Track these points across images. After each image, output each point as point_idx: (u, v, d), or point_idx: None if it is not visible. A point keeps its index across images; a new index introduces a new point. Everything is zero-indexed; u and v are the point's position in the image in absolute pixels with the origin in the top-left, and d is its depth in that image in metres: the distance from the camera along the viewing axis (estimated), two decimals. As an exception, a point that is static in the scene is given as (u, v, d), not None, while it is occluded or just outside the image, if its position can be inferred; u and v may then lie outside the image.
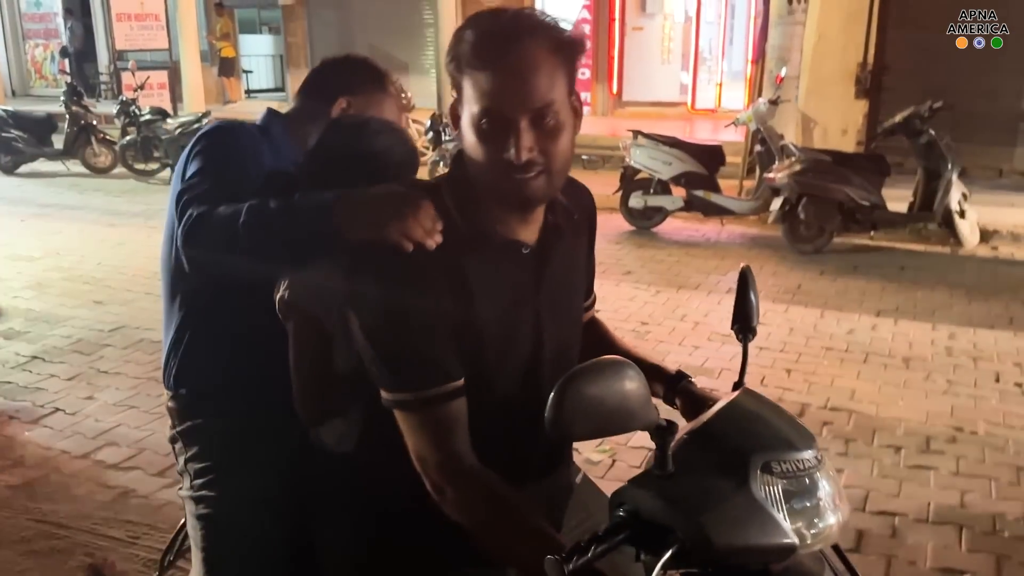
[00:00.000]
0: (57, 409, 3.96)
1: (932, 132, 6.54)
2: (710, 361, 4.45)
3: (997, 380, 4.24)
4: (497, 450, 1.28)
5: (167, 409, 1.80)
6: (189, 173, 1.58)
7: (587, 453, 3.34)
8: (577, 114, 1.30)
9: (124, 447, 3.57)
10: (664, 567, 1.00)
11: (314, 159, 1.58)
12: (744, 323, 1.47)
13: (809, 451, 1.12)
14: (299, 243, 1.38)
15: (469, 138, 1.25)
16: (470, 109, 1.23)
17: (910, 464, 3.39)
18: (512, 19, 1.23)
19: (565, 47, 1.23)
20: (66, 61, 16.94)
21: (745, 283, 1.47)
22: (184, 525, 1.99)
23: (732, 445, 1.11)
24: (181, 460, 1.76)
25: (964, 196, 6.64)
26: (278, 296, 1.52)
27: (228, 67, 15.75)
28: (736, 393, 1.25)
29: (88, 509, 3.09)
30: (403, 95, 1.84)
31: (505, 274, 1.32)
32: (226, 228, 1.39)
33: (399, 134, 1.66)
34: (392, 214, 1.24)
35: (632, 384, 1.04)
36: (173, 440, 1.79)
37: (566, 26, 1.26)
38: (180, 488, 1.79)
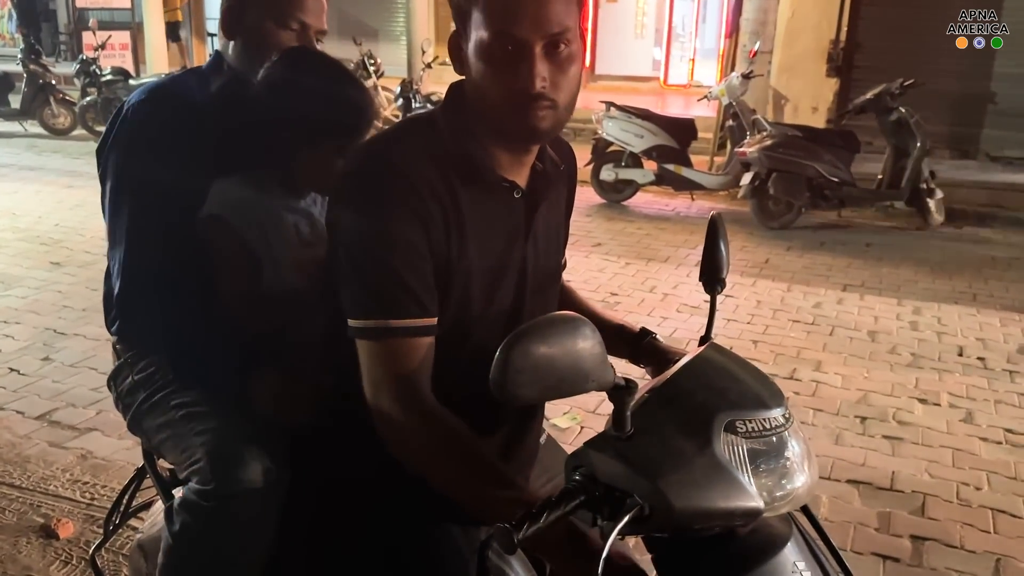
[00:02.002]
0: (12, 370, 3.84)
1: (902, 110, 6.58)
2: (679, 332, 4.44)
3: (960, 354, 4.29)
4: (469, 401, 1.22)
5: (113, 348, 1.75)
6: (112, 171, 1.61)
7: (555, 419, 3.32)
8: (583, 50, 1.24)
9: (81, 408, 3.47)
10: (622, 532, 0.93)
11: (267, 91, 1.55)
12: (713, 274, 1.40)
13: (777, 409, 1.06)
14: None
15: (476, 67, 1.18)
16: (479, 35, 1.16)
17: (875, 434, 3.42)
18: None
19: None
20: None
21: (715, 232, 1.41)
22: (128, 485, 1.93)
23: (695, 403, 1.03)
24: (127, 382, 1.69)
25: (931, 175, 6.70)
26: (201, 214, 1.52)
27: (174, 31, 15.42)
28: (702, 348, 1.19)
29: (43, 471, 3.00)
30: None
31: (497, 215, 1.27)
32: None
33: (350, 80, 1.61)
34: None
35: (586, 342, 0.94)
36: (117, 373, 1.72)
37: None
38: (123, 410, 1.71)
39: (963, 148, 8.39)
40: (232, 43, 1.70)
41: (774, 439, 1.03)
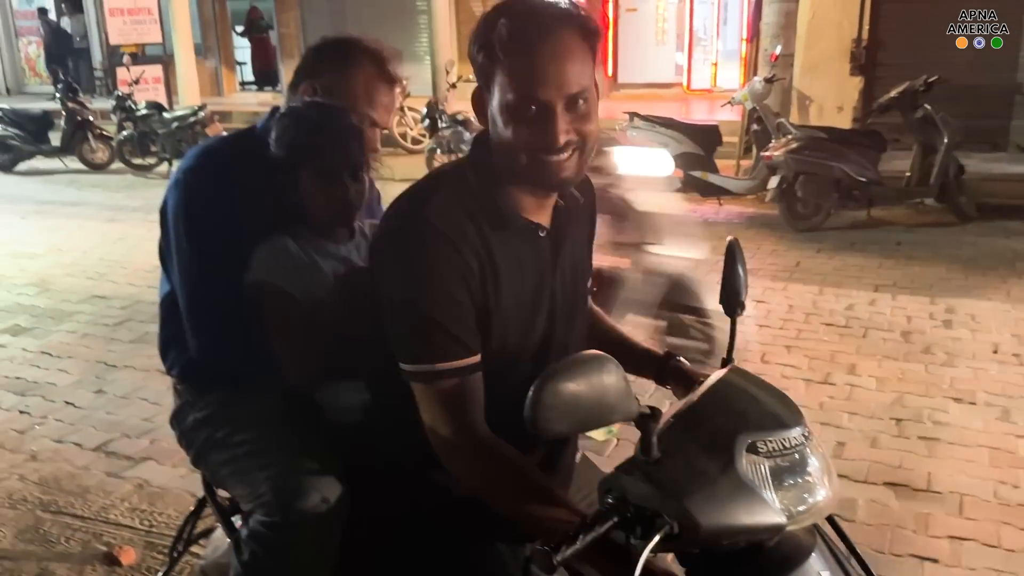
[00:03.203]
0: (68, 403, 4.00)
1: (927, 107, 6.57)
2: (711, 340, 4.50)
3: (995, 351, 4.28)
4: (508, 427, 1.29)
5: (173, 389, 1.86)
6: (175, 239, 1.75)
7: (592, 433, 3.38)
8: (598, 97, 1.33)
9: (135, 438, 3.61)
10: (653, 550, 1.01)
11: (278, 151, 1.67)
12: (732, 298, 1.46)
13: (796, 428, 1.12)
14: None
15: (501, 124, 1.27)
16: (504, 96, 1.25)
17: (911, 435, 3.44)
18: (544, 7, 1.26)
19: (592, 34, 1.27)
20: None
21: (733, 257, 1.47)
22: (192, 514, 2.04)
23: (717, 426, 1.11)
24: (190, 420, 1.80)
25: (960, 170, 6.66)
26: (247, 280, 1.63)
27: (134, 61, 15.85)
28: (723, 371, 1.25)
29: (103, 500, 3.14)
30: (396, 76, 1.85)
31: (526, 256, 1.36)
32: None
33: (333, 112, 1.70)
34: None
35: (611, 377, 1.03)
36: (179, 412, 1.84)
37: (586, 12, 1.29)
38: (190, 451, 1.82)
39: (992, 141, 8.31)
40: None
41: (795, 456, 1.10)
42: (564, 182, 1.32)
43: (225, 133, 1.91)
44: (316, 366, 1.60)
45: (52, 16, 17.36)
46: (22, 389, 4.18)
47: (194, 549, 2.37)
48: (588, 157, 1.32)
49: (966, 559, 2.65)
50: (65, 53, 16.78)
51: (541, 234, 1.38)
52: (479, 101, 1.32)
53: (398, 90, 1.83)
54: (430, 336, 1.27)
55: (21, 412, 3.92)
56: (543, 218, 1.38)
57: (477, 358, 1.30)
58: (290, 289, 1.63)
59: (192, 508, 2.05)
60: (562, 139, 1.25)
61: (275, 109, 1.86)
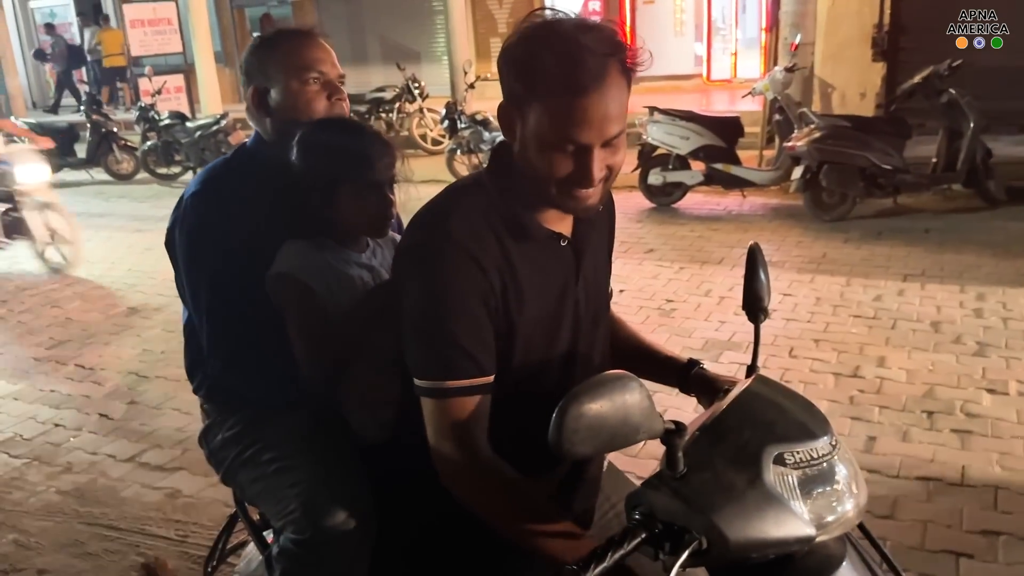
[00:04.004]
0: (102, 415, 4.07)
1: (952, 91, 6.46)
2: (737, 335, 4.47)
3: (1028, 339, 4.22)
4: (534, 438, 1.30)
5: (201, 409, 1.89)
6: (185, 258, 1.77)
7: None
8: None
9: (168, 448, 3.67)
10: (683, 566, 1.01)
11: (305, 179, 1.69)
12: (755, 304, 1.44)
13: (824, 438, 1.11)
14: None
15: (534, 152, 1.25)
16: (541, 130, 1.23)
17: (943, 428, 3.40)
18: (591, 44, 1.19)
19: (633, 66, 1.24)
20: (83, 70, 17.16)
21: (754, 262, 1.45)
22: (224, 529, 2.07)
23: (744, 438, 1.09)
24: (218, 439, 1.82)
25: (988, 154, 6.56)
26: (271, 272, 1.65)
27: (119, 75, 16.10)
28: (748, 381, 1.24)
29: (137, 511, 3.19)
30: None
31: (548, 266, 1.36)
32: None
33: (358, 130, 1.75)
34: None
35: (634, 396, 1.02)
36: (207, 431, 1.87)
37: (626, 42, 1.25)
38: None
39: (1020, 123, 8.17)
40: (268, 120, 1.83)
41: (823, 466, 1.09)
42: (591, 210, 1.32)
43: (246, 140, 1.92)
44: (331, 364, 1.61)
45: (74, 29, 17.65)
46: (56, 402, 4.26)
47: (229, 561, 2.40)
48: (613, 182, 1.31)
49: (1002, 554, 2.62)
50: (77, 66, 17.10)
51: (563, 244, 1.38)
52: (506, 116, 1.30)
53: (324, 40, 1.83)
54: (443, 352, 1.27)
55: (56, 425, 3.99)
56: (564, 228, 1.38)
57: (489, 379, 1.30)
58: (312, 284, 1.64)
59: (225, 523, 2.08)
60: (597, 177, 1.25)
61: (257, 134, 1.88)
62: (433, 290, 1.27)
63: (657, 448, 1.07)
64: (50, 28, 17.64)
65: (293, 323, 1.65)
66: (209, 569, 2.11)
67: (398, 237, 1.81)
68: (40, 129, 10.99)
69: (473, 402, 1.29)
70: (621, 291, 5.18)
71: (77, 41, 17.52)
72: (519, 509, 1.26)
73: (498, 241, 1.30)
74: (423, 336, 1.29)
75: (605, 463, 1.65)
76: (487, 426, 1.30)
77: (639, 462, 3.10)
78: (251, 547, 1.90)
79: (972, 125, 6.40)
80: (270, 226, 1.69)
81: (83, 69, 17.17)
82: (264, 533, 1.81)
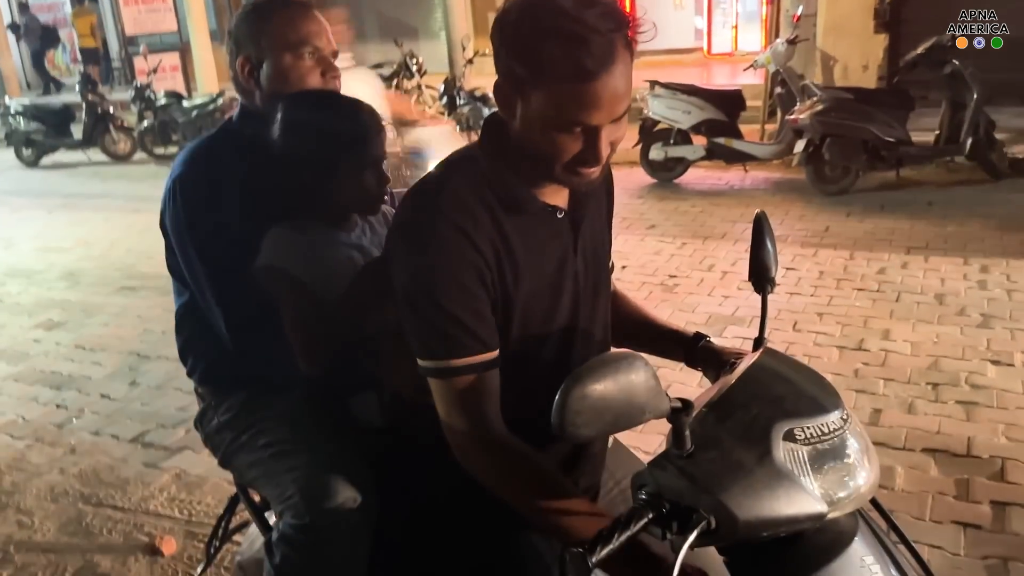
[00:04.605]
0: (103, 396, 4.06)
1: (955, 62, 6.40)
2: (741, 310, 4.45)
3: (1033, 310, 4.20)
4: (535, 416, 1.26)
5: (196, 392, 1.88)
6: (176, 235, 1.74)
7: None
8: None
9: (171, 428, 3.66)
10: (692, 546, 0.98)
11: (284, 143, 1.65)
12: (762, 274, 1.40)
13: (835, 412, 1.08)
14: None
15: (537, 132, 1.21)
16: (546, 112, 1.18)
17: (948, 400, 3.39)
18: (595, 23, 1.13)
19: (633, 41, 1.19)
20: (53, 53, 17.12)
21: (761, 231, 1.41)
22: (226, 511, 2.05)
23: (752, 415, 1.07)
24: (214, 423, 1.81)
25: (992, 125, 6.51)
26: (256, 265, 1.61)
27: (91, 56, 16.01)
28: (756, 355, 1.21)
29: (142, 491, 3.18)
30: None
31: (545, 239, 1.33)
32: None
33: (347, 102, 1.70)
34: None
35: (639, 375, 0.99)
36: (202, 415, 1.85)
37: (629, 16, 1.19)
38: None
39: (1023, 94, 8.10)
40: (256, 93, 1.78)
41: (834, 441, 1.07)
42: (593, 183, 1.29)
43: (230, 115, 1.88)
44: (328, 352, 1.58)
45: (67, 8, 17.50)
46: (58, 383, 4.25)
47: (234, 538, 2.39)
48: (614, 155, 1.28)
49: (1009, 524, 2.61)
50: (49, 47, 17.06)
51: (559, 216, 1.35)
52: (504, 95, 1.25)
53: (318, 13, 1.79)
54: (445, 331, 1.24)
55: (58, 406, 3.98)
56: (560, 200, 1.35)
57: (494, 354, 1.28)
58: (299, 274, 1.61)
59: (227, 504, 2.07)
60: (604, 155, 1.22)
61: (243, 106, 1.84)
62: (428, 268, 1.24)
63: (663, 422, 1.05)
64: (23, 8, 17.49)
65: (285, 317, 1.63)
66: (212, 550, 2.09)
67: (391, 212, 1.78)
68: (35, 110, 10.96)
69: (481, 378, 1.26)
70: (624, 267, 5.15)
71: (70, 22, 17.39)
72: (533, 484, 1.25)
73: (491, 215, 1.27)
74: (421, 315, 1.26)
75: (610, 440, 1.63)
76: (498, 400, 1.28)
77: (644, 437, 3.09)
78: (254, 527, 1.89)
79: (975, 97, 6.34)
80: (260, 205, 1.66)
81: (54, 52, 17.08)
82: (266, 514, 1.80)
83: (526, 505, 1.25)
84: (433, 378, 1.28)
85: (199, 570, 2.19)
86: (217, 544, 2.09)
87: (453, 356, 1.25)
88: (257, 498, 1.82)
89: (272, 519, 1.65)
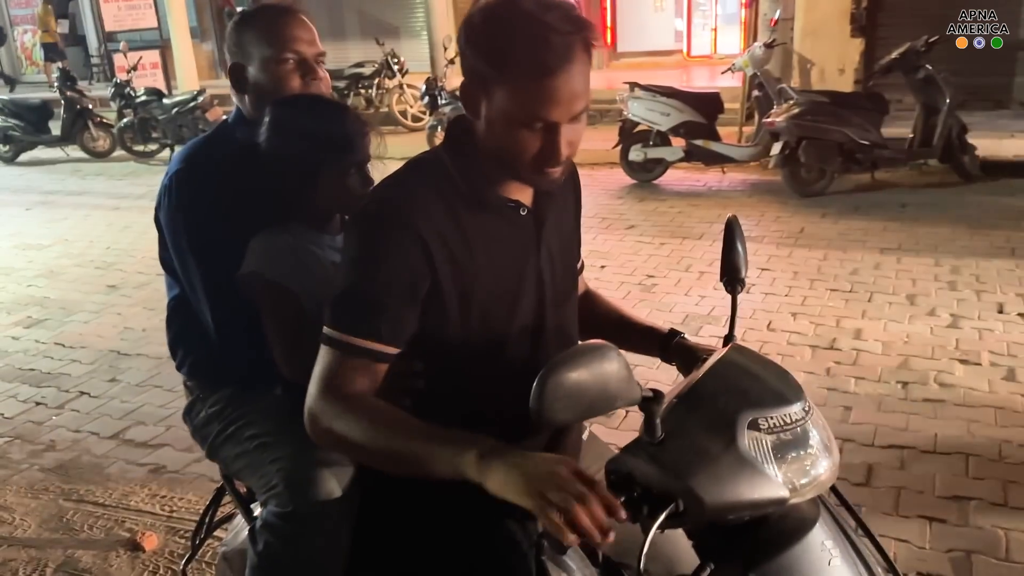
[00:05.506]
0: (82, 393, 4.06)
1: (929, 67, 6.52)
2: (717, 310, 4.52)
3: (1000, 311, 4.30)
4: (506, 411, 1.30)
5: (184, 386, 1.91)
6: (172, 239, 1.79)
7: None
8: None
9: (151, 425, 3.67)
10: (661, 528, 1.05)
11: (269, 145, 1.70)
12: (732, 275, 1.47)
13: (797, 404, 1.15)
14: None
15: (500, 129, 1.26)
16: (508, 109, 1.24)
17: (917, 398, 3.47)
18: (555, 24, 1.20)
19: (591, 44, 1.25)
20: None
21: (732, 234, 1.48)
22: (211, 502, 2.09)
23: (719, 405, 1.13)
24: (201, 416, 1.85)
25: (964, 129, 6.64)
26: (243, 272, 1.66)
27: (53, 51, 16.00)
28: (725, 350, 1.28)
29: (123, 487, 3.20)
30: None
31: (506, 235, 1.38)
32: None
33: (330, 106, 1.76)
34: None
35: (612, 365, 1.05)
36: (190, 408, 1.89)
37: (588, 20, 1.26)
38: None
39: (996, 99, 8.26)
40: (246, 96, 1.85)
41: (796, 431, 1.13)
42: (556, 183, 1.34)
43: (225, 116, 1.93)
44: (309, 360, 1.62)
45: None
46: (37, 380, 4.24)
47: (216, 534, 2.42)
48: (575, 154, 1.34)
49: (973, 518, 2.69)
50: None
51: (522, 212, 1.39)
52: (469, 95, 1.30)
53: (305, 17, 1.84)
54: (355, 309, 1.29)
55: (37, 403, 3.98)
56: (525, 197, 1.40)
57: (390, 350, 1.30)
58: (282, 282, 1.66)
59: (212, 496, 2.10)
60: (564, 154, 1.27)
61: (238, 109, 1.88)
62: (360, 251, 1.30)
63: (637, 419, 1.10)
64: None
65: (268, 324, 1.67)
66: (196, 542, 2.13)
67: None
68: (13, 106, 10.86)
69: (366, 365, 1.29)
70: (603, 267, 5.21)
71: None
72: (385, 424, 1.25)
73: (448, 209, 1.31)
74: (343, 289, 1.30)
75: (586, 432, 1.68)
76: (371, 393, 1.30)
77: (620, 434, 3.15)
78: (238, 520, 1.92)
79: (948, 101, 6.47)
80: (251, 206, 1.70)
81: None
82: (252, 505, 1.83)
83: (392, 453, 1.24)
84: (325, 345, 1.30)
85: (183, 562, 2.21)
86: (202, 536, 2.12)
87: (353, 334, 1.28)
88: (243, 490, 1.85)
89: (257, 510, 1.69)
